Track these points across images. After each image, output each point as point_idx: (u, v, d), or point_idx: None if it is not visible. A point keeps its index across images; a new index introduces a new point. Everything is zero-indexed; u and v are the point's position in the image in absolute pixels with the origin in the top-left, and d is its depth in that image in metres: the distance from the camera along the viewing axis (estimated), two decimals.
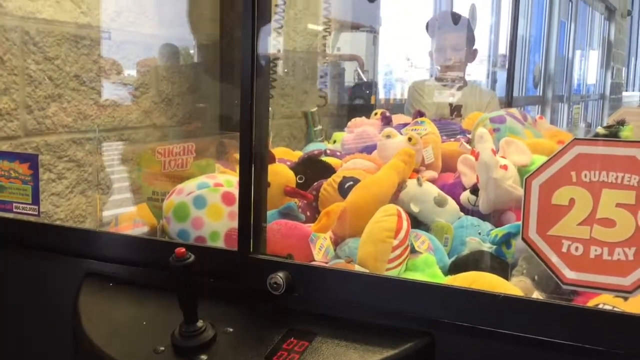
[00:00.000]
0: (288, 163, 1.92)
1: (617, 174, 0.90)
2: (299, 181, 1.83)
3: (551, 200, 0.95)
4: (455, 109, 3.00)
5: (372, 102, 3.92)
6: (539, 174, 0.96)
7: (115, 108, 2.14)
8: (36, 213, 1.37)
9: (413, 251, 1.43)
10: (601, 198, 0.91)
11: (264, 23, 1.21)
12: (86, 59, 1.99)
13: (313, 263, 1.31)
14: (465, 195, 1.66)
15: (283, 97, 3.11)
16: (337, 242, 1.54)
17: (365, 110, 3.62)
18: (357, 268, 1.34)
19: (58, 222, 1.91)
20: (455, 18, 3.39)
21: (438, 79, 3.14)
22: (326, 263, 1.41)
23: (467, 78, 3.23)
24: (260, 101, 1.21)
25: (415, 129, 1.86)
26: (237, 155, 1.26)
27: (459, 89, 3.08)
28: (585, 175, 0.92)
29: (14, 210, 1.39)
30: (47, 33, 1.85)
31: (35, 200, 1.36)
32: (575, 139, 0.92)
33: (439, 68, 3.13)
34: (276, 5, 2.62)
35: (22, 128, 1.81)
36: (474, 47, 3.17)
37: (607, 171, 0.91)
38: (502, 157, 1.63)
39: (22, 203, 1.37)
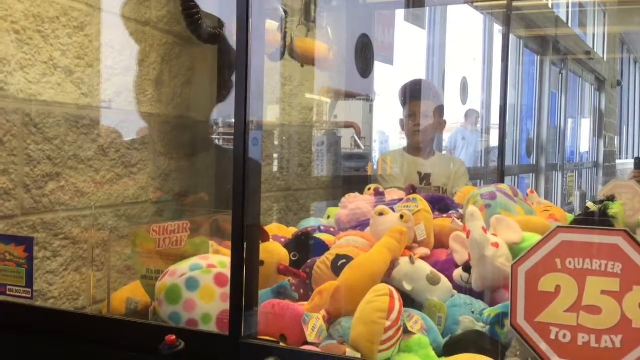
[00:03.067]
0: (282, 240, 1.94)
1: (601, 262, 0.92)
2: (292, 259, 1.84)
3: (538, 287, 0.96)
4: (425, 178, 3.13)
5: (369, 172, 3.96)
6: (525, 260, 0.97)
7: (112, 185, 2.17)
8: (29, 296, 1.38)
9: (406, 331, 1.42)
10: (586, 285, 0.93)
11: (257, 94, 1.25)
12: (85, 138, 2.04)
13: (304, 347, 1.31)
14: (458, 273, 1.67)
15: (279, 171, 3.15)
16: (330, 320, 1.53)
17: (361, 181, 3.66)
18: (349, 350, 1.33)
19: (52, 301, 1.90)
20: (426, 87, 3.54)
21: (406, 149, 3.24)
22: (319, 344, 1.41)
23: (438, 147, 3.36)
24: (254, 175, 1.23)
25: (407, 206, 1.89)
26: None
27: (427, 158, 3.18)
28: (570, 263, 0.94)
29: (7, 292, 1.39)
30: (47, 114, 1.90)
31: (29, 283, 1.37)
32: (559, 227, 0.94)
33: (409, 136, 3.23)
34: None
35: (20, 207, 1.83)
36: (443, 118, 3.28)
37: (591, 259, 0.93)
38: (494, 234, 1.65)
39: (15, 286, 1.38)
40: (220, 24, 2.37)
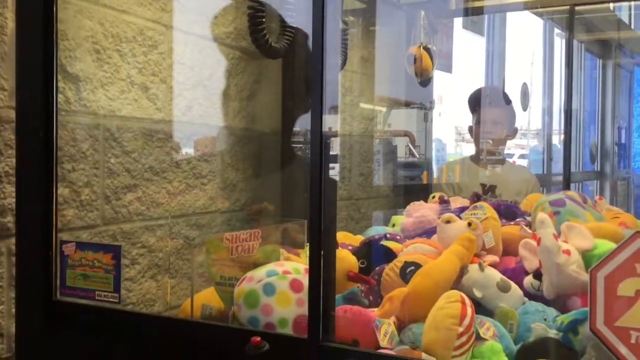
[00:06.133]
0: (349, 247, 1.97)
1: None
2: (361, 266, 1.87)
3: (617, 291, 0.97)
4: (490, 189, 2.93)
5: (425, 181, 3.92)
6: (604, 265, 0.98)
7: (184, 195, 2.26)
8: (117, 300, 1.46)
9: (478, 338, 1.44)
10: None
11: (330, 107, 1.30)
12: (160, 151, 2.13)
13: (381, 351, 1.34)
14: (529, 280, 1.66)
15: (341, 180, 3.19)
16: (400, 327, 1.56)
17: (420, 190, 3.65)
18: (423, 355, 1.36)
19: (130, 307, 1.99)
20: (498, 94, 3.43)
21: (473, 158, 3.12)
22: (391, 349, 1.43)
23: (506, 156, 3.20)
24: (330, 184, 1.28)
25: (474, 214, 1.89)
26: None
27: (494, 167, 3.03)
28: None
29: (96, 298, 1.48)
30: (125, 129, 2.01)
31: (117, 288, 1.45)
32: (638, 231, 0.94)
33: (478, 144, 3.09)
34: None
35: (101, 217, 1.93)
36: (514, 125, 3.15)
37: None
38: (564, 241, 1.64)
39: (104, 291, 1.47)
40: (284, 38, 2.44)
